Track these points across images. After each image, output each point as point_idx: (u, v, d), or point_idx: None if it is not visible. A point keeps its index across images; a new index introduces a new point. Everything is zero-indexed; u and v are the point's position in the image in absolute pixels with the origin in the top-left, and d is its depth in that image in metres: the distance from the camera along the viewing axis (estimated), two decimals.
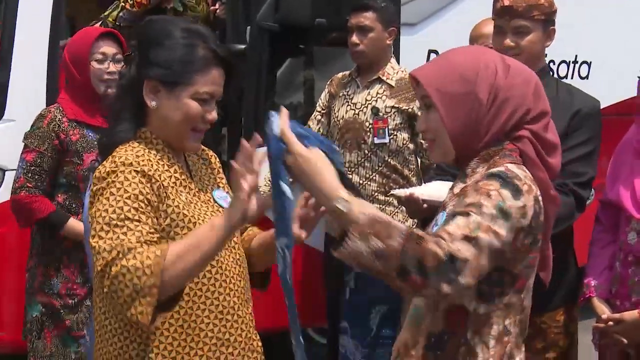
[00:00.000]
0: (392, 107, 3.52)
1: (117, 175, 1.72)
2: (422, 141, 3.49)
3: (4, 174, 3.35)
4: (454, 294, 1.55)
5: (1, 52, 3.43)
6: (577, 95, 2.67)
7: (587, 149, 2.59)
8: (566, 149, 2.55)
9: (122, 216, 1.68)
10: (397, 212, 3.48)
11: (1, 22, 3.48)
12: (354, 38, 3.51)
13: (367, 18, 3.51)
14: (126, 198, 1.70)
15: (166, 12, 4.19)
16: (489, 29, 3.35)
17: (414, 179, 3.57)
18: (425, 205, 2.46)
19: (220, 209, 1.87)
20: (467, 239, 1.54)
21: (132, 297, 1.62)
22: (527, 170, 1.67)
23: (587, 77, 5.05)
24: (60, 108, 3.03)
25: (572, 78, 4.80)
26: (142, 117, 1.82)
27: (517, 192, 1.61)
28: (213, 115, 1.82)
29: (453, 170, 2.72)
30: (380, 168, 3.52)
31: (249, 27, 3.61)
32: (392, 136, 3.51)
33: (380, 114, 3.51)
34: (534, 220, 1.64)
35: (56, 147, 2.97)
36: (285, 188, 1.60)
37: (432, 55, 4.45)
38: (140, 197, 1.71)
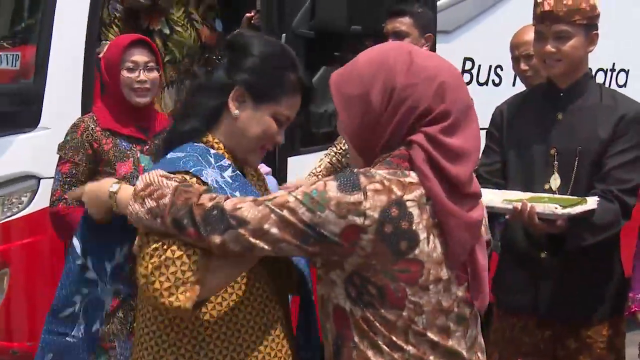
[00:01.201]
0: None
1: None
2: None
3: (39, 182, 3.35)
4: (237, 247, 1.55)
5: (37, 60, 3.44)
6: (621, 100, 2.60)
7: (633, 155, 2.53)
8: (611, 155, 2.50)
9: None
10: None
11: (38, 30, 3.49)
12: None
13: (404, 23, 3.46)
14: None
15: (152, 34, 4.07)
16: (530, 35, 3.29)
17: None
18: None
19: None
20: (255, 202, 1.57)
21: (179, 284, 1.60)
22: (402, 175, 1.54)
23: (625, 84, 4.98)
24: (94, 117, 3.01)
25: (609, 86, 4.72)
26: (212, 121, 1.81)
27: (352, 187, 1.50)
28: (281, 138, 1.85)
29: (495, 179, 2.67)
30: None
31: (284, 35, 3.58)
32: None
33: None
34: (385, 224, 1.50)
35: (90, 156, 2.96)
36: None
37: (468, 63, 4.41)
38: None
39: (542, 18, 2.58)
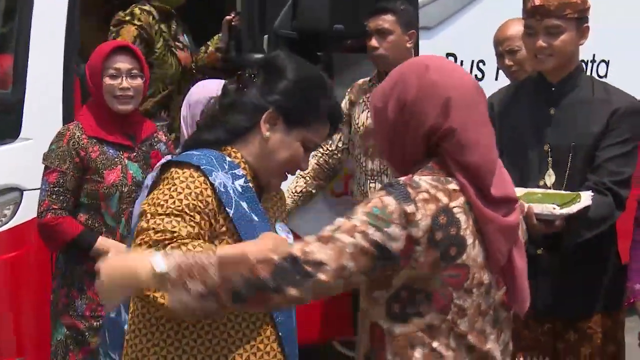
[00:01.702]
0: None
1: (184, 172, 1.73)
2: None
3: (22, 194, 3.26)
4: (311, 296, 1.50)
5: (16, 69, 3.35)
6: (614, 94, 2.60)
7: (626, 148, 2.52)
8: (604, 147, 2.50)
9: (180, 208, 1.68)
10: None
11: (15, 38, 3.41)
12: (373, 42, 3.44)
13: (386, 21, 3.44)
14: (187, 194, 1.70)
15: None
16: (514, 30, 3.29)
17: None
18: None
19: None
20: (321, 238, 1.51)
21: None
22: (445, 182, 1.57)
23: (605, 75, 4.99)
24: (80, 125, 2.95)
25: None
26: (239, 138, 1.81)
27: (404, 198, 1.53)
28: (306, 165, 1.86)
29: None
30: None
31: (266, 36, 3.54)
32: None
33: None
34: (437, 232, 1.53)
35: (77, 165, 2.89)
36: None
37: (450, 59, 4.39)
38: (200, 197, 1.71)
39: (532, 12, 2.55)
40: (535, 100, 2.65)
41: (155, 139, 3.07)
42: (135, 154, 2.99)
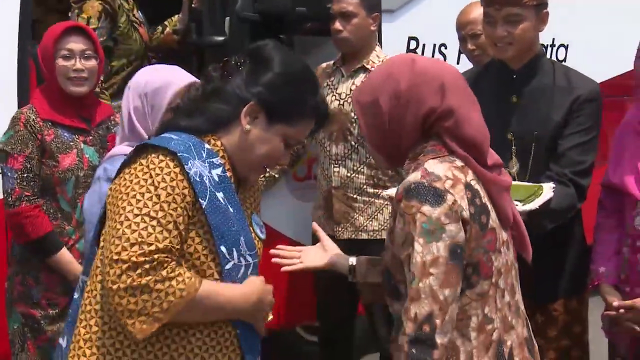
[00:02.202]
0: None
1: (160, 160, 1.67)
2: None
3: None
4: (446, 350, 1.64)
5: None
6: (575, 80, 2.59)
7: (587, 137, 2.53)
8: (566, 136, 2.50)
9: (157, 209, 1.62)
10: (386, 205, 3.39)
11: None
12: (337, 24, 3.40)
13: (350, 3, 3.40)
14: (163, 187, 1.64)
15: None
16: (476, 14, 3.28)
17: (402, 171, 3.47)
18: None
19: (254, 234, 1.81)
20: (416, 295, 1.63)
21: (142, 313, 1.57)
22: (452, 161, 1.72)
23: (564, 59, 5.02)
24: (33, 108, 2.86)
25: None
26: (220, 127, 1.75)
27: (438, 197, 1.65)
28: (286, 160, 1.84)
29: None
30: (367, 160, 3.41)
31: (227, 18, 3.47)
32: None
33: None
34: (471, 207, 1.69)
35: (39, 148, 2.81)
36: None
37: (412, 43, 4.38)
38: (177, 191, 1.65)
39: (491, 1, 2.52)
40: (497, 88, 2.63)
41: (112, 122, 3.00)
42: (91, 137, 2.92)
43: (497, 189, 1.76)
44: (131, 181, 1.65)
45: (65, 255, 2.82)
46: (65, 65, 2.83)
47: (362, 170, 3.42)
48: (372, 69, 3.44)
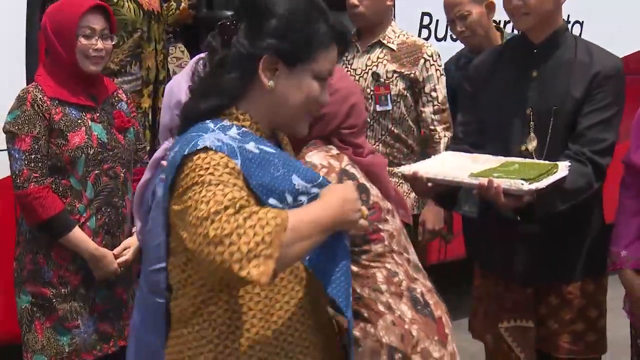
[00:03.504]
0: (394, 72, 3.34)
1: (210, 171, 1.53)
2: (423, 109, 3.34)
3: None
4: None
5: None
6: (596, 55, 2.51)
7: (607, 114, 2.44)
8: (585, 113, 2.42)
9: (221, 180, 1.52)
10: (402, 183, 3.33)
11: None
12: None
13: None
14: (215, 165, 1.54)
15: None
16: None
17: (417, 148, 3.41)
18: (429, 184, 2.31)
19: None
20: None
21: (250, 256, 1.43)
22: (328, 150, 1.90)
23: (579, 36, 4.93)
24: (39, 87, 2.80)
25: None
26: (239, 96, 1.63)
27: None
28: (326, 97, 1.67)
29: (471, 139, 2.59)
30: (383, 137, 3.36)
31: None
32: (394, 103, 3.33)
33: (382, 79, 3.33)
34: None
35: (47, 127, 2.75)
36: None
37: (425, 18, 4.30)
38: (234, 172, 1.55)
39: None
40: (518, 62, 2.57)
41: (116, 98, 2.95)
42: (98, 114, 2.87)
43: (374, 170, 1.96)
44: (192, 190, 1.54)
45: (78, 233, 2.77)
46: (87, 44, 2.77)
47: (377, 147, 3.35)
48: (389, 43, 3.37)
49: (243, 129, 1.62)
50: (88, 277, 2.83)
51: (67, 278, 2.82)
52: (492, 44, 3.24)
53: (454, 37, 4.35)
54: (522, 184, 2.16)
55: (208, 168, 1.52)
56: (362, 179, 1.88)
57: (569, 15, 4.84)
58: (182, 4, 3.96)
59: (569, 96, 2.45)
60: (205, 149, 1.54)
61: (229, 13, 3.42)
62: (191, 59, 3.96)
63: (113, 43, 2.87)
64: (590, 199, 2.46)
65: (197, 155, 1.54)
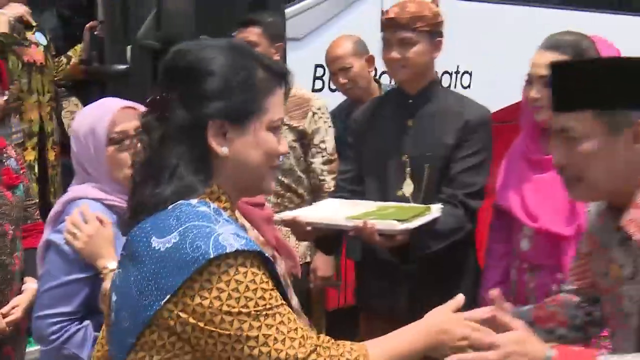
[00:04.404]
0: (284, 124, 3.43)
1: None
2: (313, 160, 3.45)
3: None
4: None
5: None
6: (467, 105, 2.68)
7: (477, 159, 2.60)
8: (457, 159, 2.57)
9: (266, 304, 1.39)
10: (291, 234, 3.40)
11: None
12: None
13: (253, 33, 3.43)
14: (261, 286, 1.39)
15: None
16: (343, 48, 3.52)
17: (308, 197, 3.50)
18: (309, 228, 2.42)
19: None
20: None
21: None
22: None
23: (469, 86, 5.19)
24: None
25: (454, 87, 4.92)
26: (207, 169, 1.46)
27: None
28: (284, 147, 1.52)
29: (352, 187, 2.70)
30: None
31: (129, 47, 3.45)
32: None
33: None
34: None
35: None
36: None
37: (319, 70, 4.44)
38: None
39: (387, 25, 2.63)
40: (395, 112, 2.71)
41: (5, 155, 2.92)
42: None
43: (255, 217, 1.99)
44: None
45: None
46: None
47: (268, 198, 3.42)
48: None
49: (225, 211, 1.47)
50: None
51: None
52: (371, 95, 3.40)
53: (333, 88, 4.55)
54: (395, 224, 2.28)
55: (256, 290, 1.37)
56: (242, 219, 1.82)
57: (458, 66, 5.10)
58: (73, 60, 3.98)
59: (441, 143, 2.59)
60: (236, 254, 1.37)
61: (121, 67, 3.49)
62: None
63: (5, 99, 2.85)
64: (463, 241, 2.60)
65: (227, 263, 1.36)
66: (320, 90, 4.36)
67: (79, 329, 2.07)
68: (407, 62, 2.60)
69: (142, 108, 2.05)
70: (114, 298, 1.46)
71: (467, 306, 2.64)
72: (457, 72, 5.12)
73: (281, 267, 1.93)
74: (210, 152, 1.45)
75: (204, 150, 1.44)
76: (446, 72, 5.01)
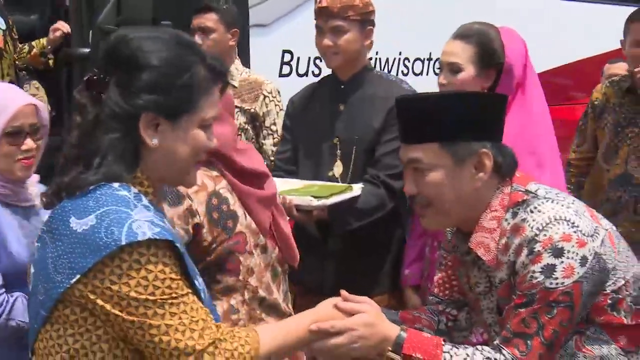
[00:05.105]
0: (236, 107, 3.57)
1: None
2: (264, 142, 3.58)
3: None
4: None
5: None
6: (395, 90, 2.78)
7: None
8: (382, 142, 2.69)
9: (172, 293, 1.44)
10: None
11: None
12: (196, 39, 3.54)
13: (209, 19, 3.56)
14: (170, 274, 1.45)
15: None
16: None
17: None
18: None
19: None
20: None
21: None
22: (208, 170, 1.92)
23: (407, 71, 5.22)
24: None
25: (396, 74, 4.94)
26: (135, 158, 1.49)
27: (177, 198, 1.86)
28: (214, 142, 1.56)
29: (288, 167, 2.84)
30: None
31: (91, 31, 3.60)
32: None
33: None
34: (214, 213, 1.90)
35: None
36: None
37: (287, 56, 4.56)
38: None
39: (319, 13, 2.76)
40: (329, 97, 2.84)
41: None
42: None
43: (252, 200, 1.97)
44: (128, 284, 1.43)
45: None
46: None
47: None
48: (231, 80, 3.61)
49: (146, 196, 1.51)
50: None
51: None
52: None
53: (316, 73, 4.65)
54: (311, 200, 2.42)
55: (164, 280, 1.43)
56: (235, 206, 1.92)
57: (430, 53, 5.16)
58: (34, 50, 4.10)
59: (369, 127, 2.72)
60: (149, 243, 1.42)
61: (84, 51, 3.63)
62: (48, 95, 4.16)
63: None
64: (388, 219, 2.73)
65: (139, 251, 1.41)
66: (288, 75, 4.48)
67: (16, 298, 2.10)
68: (339, 49, 2.73)
69: (41, 105, 2.17)
70: (32, 270, 1.52)
71: (390, 285, 2.81)
72: (429, 59, 5.21)
73: (266, 257, 2.01)
74: (141, 142, 1.48)
75: (135, 140, 1.47)
76: (418, 59, 5.10)
